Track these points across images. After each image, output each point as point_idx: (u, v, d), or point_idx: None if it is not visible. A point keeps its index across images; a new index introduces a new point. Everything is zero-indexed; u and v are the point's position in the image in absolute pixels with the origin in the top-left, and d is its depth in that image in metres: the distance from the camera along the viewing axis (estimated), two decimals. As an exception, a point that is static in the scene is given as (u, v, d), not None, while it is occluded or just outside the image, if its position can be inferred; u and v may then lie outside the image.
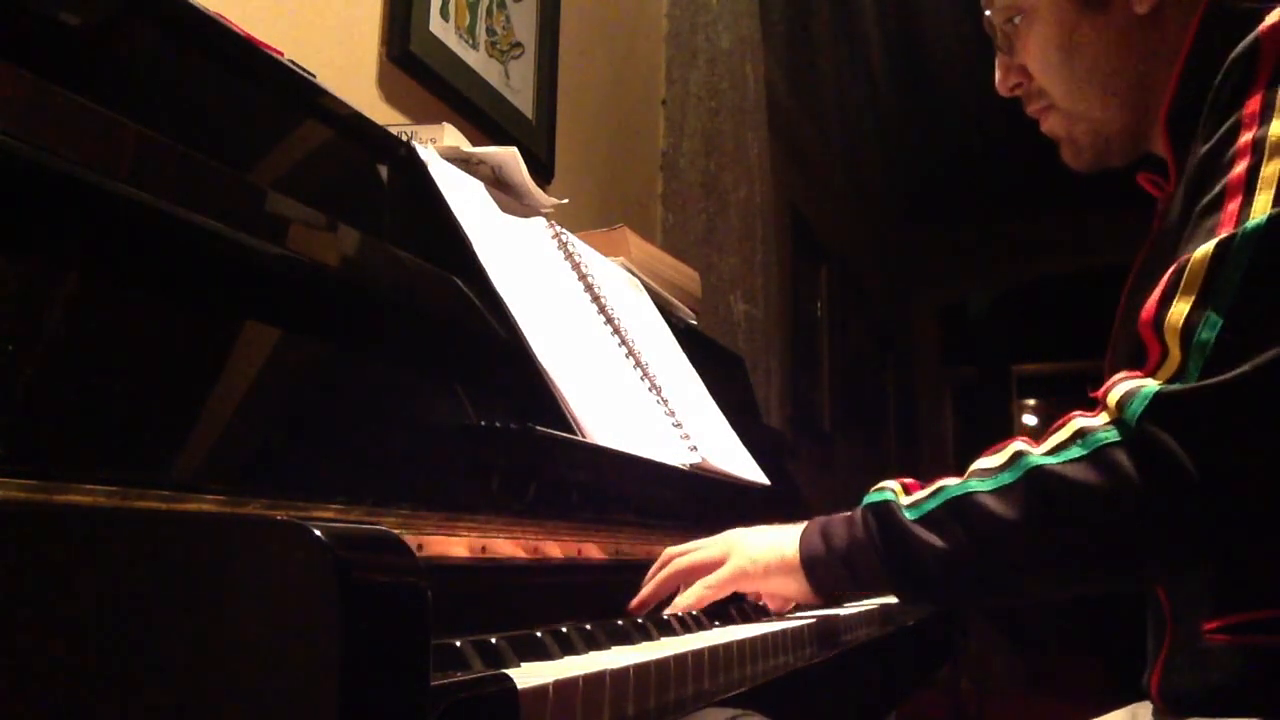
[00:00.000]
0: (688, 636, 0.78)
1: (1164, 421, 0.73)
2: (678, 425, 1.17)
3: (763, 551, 0.95)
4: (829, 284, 4.73)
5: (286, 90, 0.89)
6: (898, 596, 0.94)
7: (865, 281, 5.62)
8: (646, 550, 1.01)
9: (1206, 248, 0.75)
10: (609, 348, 1.16)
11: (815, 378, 4.45)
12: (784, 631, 0.84)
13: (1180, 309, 0.76)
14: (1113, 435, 0.76)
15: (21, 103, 0.56)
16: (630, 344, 1.21)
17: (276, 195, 0.76)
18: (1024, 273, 6.43)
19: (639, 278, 1.48)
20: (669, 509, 1.12)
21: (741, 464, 1.30)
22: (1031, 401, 7.05)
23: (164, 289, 0.62)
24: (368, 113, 0.98)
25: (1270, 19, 0.80)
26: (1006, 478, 0.81)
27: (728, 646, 0.71)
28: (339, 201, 0.88)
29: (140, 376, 0.58)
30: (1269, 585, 0.83)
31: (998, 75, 1.06)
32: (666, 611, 0.92)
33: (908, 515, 0.86)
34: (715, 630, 0.86)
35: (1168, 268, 0.79)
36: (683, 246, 2.67)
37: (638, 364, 1.19)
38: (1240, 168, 0.77)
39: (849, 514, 0.92)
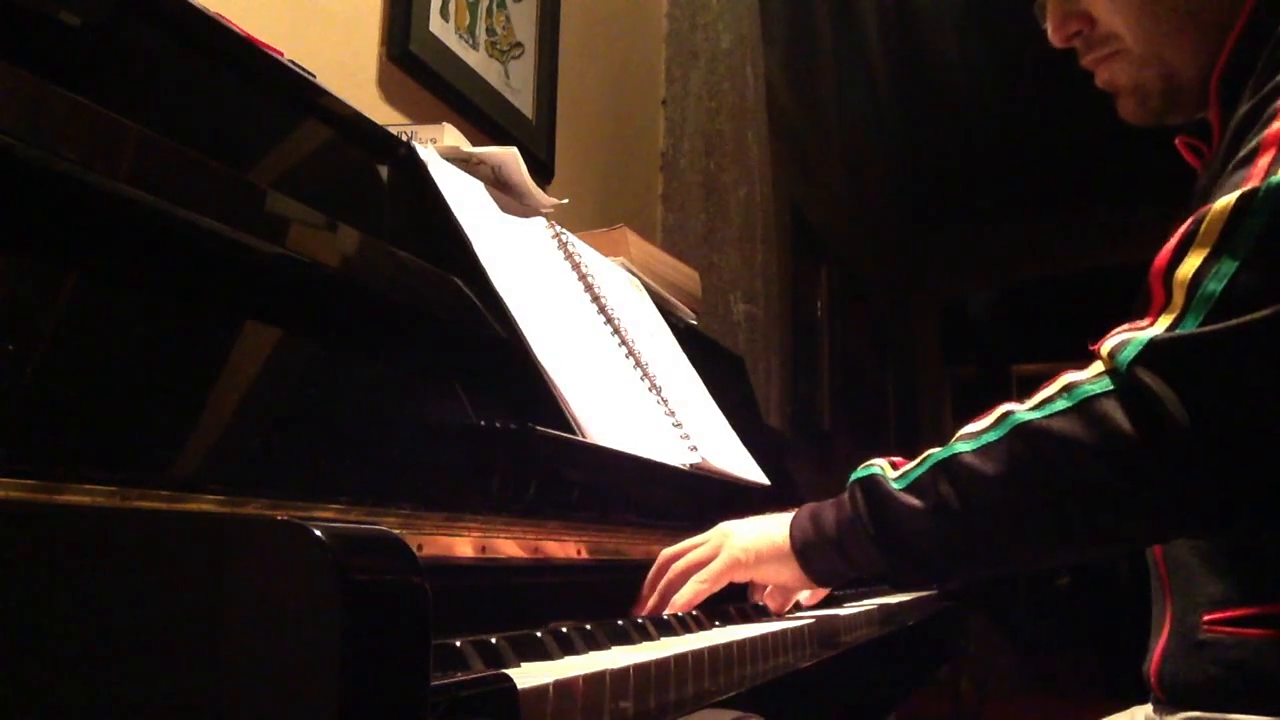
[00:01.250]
0: (688, 636, 0.78)
1: (1157, 367, 0.70)
2: (678, 425, 1.17)
3: (754, 540, 0.95)
4: (829, 284, 4.72)
5: (286, 90, 0.89)
6: (890, 572, 0.91)
7: (865, 281, 5.62)
8: (646, 550, 1.01)
9: (1228, 199, 0.73)
10: (609, 348, 1.16)
11: (815, 378, 4.45)
12: (784, 631, 0.84)
13: (1193, 261, 0.73)
14: (1102, 385, 0.73)
15: (21, 103, 0.56)
16: (630, 344, 1.21)
17: (276, 195, 0.76)
18: (1024, 273, 6.43)
19: (639, 278, 1.48)
20: (669, 509, 1.12)
21: (741, 464, 1.30)
22: (1031, 401, 7.04)
23: (164, 289, 0.62)
24: (368, 113, 0.98)
25: None
26: (991, 436, 0.79)
27: (728, 646, 0.71)
28: (339, 201, 0.88)
29: (140, 376, 0.58)
30: (1270, 579, 0.82)
31: (1051, 24, 1.00)
32: (665, 611, 0.92)
33: (895, 485, 0.85)
34: (715, 630, 0.86)
35: None
36: (683, 246, 2.67)
37: (638, 364, 1.19)
38: (1278, 125, 0.74)
39: (836, 497, 0.91)
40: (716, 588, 0.94)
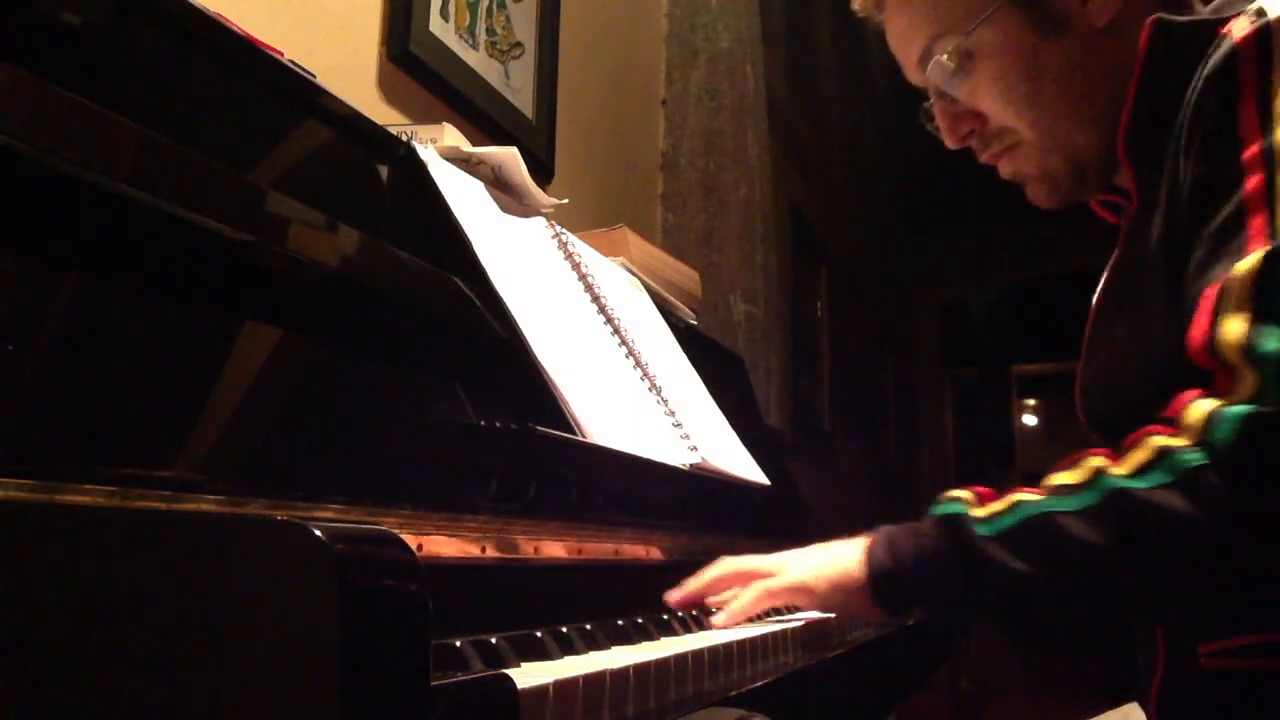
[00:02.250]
0: (688, 636, 0.78)
1: (1265, 444, 0.68)
2: (677, 425, 1.17)
3: (825, 565, 0.89)
4: (829, 284, 4.72)
5: (286, 90, 0.89)
6: (967, 616, 0.88)
7: (865, 281, 5.62)
8: (646, 550, 1.01)
9: (1250, 262, 0.71)
10: (609, 348, 1.16)
11: (815, 378, 4.45)
12: (784, 631, 0.85)
13: (1234, 326, 0.71)
14: (1199, 458, 0.71)
15: (21, 103, 0.56)
16: (630, 344, 1.21)
17: (276, 195, 0.76)
18: (1024, 273, 6.43)
19: (639, 278, 1.48)
20: (669, 509, 1.12)
21: (741, 464, 1.30)
22: (1031, 401, 7.06)
23: (164, 289, 0.62)
24: (368, 113, 0.98)
25: (1240, 30, 0.76)
26: (1089, 499, 0.76)
27: (728, 646, 0.71)
28: (339, 201, 0.88)
29: (140, 376, 0.58)
30: (1268, 609, 0.80)
31: (943, 127, 0.99)
32: (721, 615, 0.90)
33: (981, 530, 0.80)
34: (715, 630, 0.86)
35: (1142, 295, 0.74)
36: (683, 246, 2.67)
37: (638, 364, 1.19)
38: (1253, 182, 0.73)
39: (915, 525, 0.86)
40: (777, 603, 0.91)
